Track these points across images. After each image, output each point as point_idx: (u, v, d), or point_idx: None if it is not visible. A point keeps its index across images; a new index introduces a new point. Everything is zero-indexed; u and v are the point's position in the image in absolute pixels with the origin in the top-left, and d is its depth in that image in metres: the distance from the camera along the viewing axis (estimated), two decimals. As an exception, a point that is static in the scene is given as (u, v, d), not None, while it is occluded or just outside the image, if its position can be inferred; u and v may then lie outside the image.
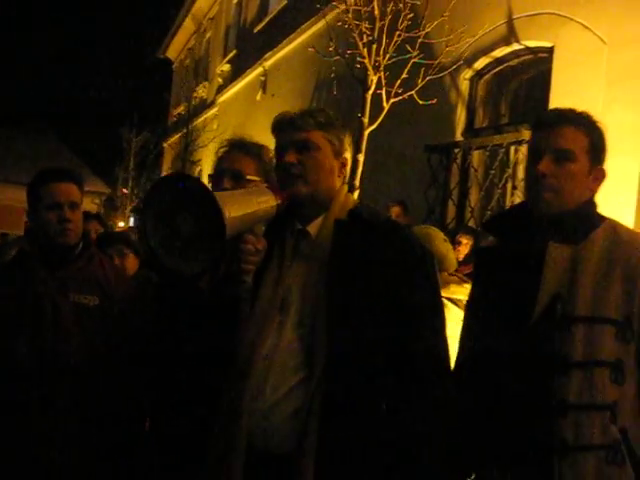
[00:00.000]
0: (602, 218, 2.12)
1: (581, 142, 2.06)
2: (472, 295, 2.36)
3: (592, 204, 2.13)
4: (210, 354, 2.18)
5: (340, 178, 2.19)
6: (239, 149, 2.54)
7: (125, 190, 24.50)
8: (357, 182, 5.69)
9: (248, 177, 2.35)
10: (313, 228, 2.14)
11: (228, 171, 2.39)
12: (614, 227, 2.10)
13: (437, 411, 2.03)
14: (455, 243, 5.90)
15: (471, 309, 2.33)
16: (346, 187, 2.22)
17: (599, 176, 2.12)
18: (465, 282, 3.62)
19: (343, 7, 6.48)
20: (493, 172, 6.57)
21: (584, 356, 1.95)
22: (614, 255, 2.01)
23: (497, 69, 7.19)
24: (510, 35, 6.58)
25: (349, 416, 1.99)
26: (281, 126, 2.19)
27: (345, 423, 1.99)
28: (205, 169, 17.56)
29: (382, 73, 6.32)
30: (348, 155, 2.21)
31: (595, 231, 2.06)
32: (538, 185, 2.06)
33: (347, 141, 2.20)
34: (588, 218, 2.09)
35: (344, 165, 2.19)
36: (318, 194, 2.12)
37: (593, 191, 2.12)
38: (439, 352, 2.07)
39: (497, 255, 2.24)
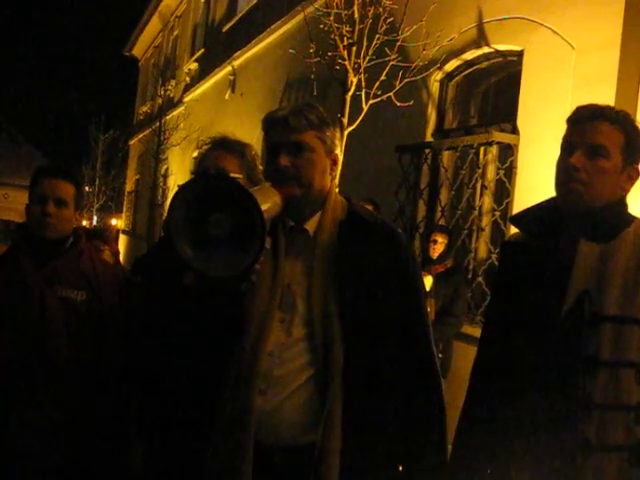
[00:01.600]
0: (633, 218, 2.08)
1: (615, 139, 2.02)
2: (497, 290, 2.35)
3: (623, 203, 2.09)
4: (212, 351, 2.21)
5: (331, 176, 2.23)
6: (222, 147, 2.57)
7: (87, 188, 24.27)
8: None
9: (231, 175, 2.34)
10: (310, 226, 2.18)
11: (211, 169, 2.43)
12: None
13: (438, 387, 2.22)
14: (430, 242, 5.98)
15: (495, 303, 2.32)
16: (336, 187, 2.29)
17: (633, 175, 2.07)
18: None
19: (324, 10, 6.55)
20: (463, 172, 6.66)
21: (611, 356, 1.92)
22: None
23: (467, 71, 7.29)
24: (480, 38, 6.69)
25: (367, 403, 2.07)
26: (273, 125, 2.20)
27: (364, 412, 2.06)
28: (172, 167, 17.49)
29: (362, 75, 6.42)
30: (339, 151, 2.25)
31: (626, 230, 2.02)
32: (569, 178, 2.03)
33: (338, 137, 2.24)
34: (619, 216, 2.05)
35: (335, 162, 2.23)
36: (311, 194, 2.16)
37: (625, 190, 2.08)
38: (429, 328, 2.28)
39: (523, 250, 2.19)
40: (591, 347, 1.94)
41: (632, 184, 2.09)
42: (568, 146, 2.07)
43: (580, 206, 2.05)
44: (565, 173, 2.05)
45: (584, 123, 2.06)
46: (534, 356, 2.02)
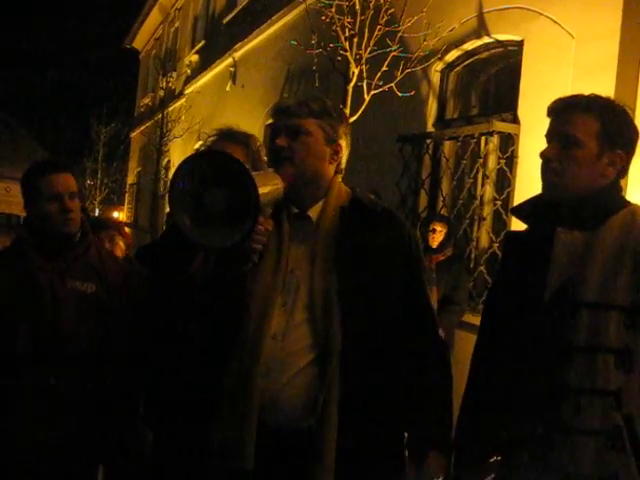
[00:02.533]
0: (624, 204, 2.10)
1: (589, 127, 2.04)
2: (496, 278, 2.42)
3: (611, 189, 2.09)
4: (215, 334, 2.27)
5: (333, 165, 2.29)
6: (227, 138, 2.63)
7: (89, 181, 24.30)
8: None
9: None
10: (313, 212, 2.25)
11: None
12: (633, 213, 2.06)
13: (444, 364, 2.30)
14: (429, 231, 6.03)
15: (493, 292, 2.37)
16: (340, 176, 2.33)
17: (616, 160, 2.07)
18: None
19: (326, 1, 6.58)
20: (464, 162, 6.70)
21: (588, 341, 1.95)
22: (627, 241, 1.99)
23: (468, 61, 7.31)
24: (481, 29, 6.71)
25: (367, 387, 2.13)
26: (277, 113, 2.31)
27: (364, 395, 2.13)
28: (173, 159, 17.50)
29: (363, 66, 6.45)
30: (344, 143, 2.30)
31: (613, 217, 2.03)
32: (543, 169, 2.10)
33: (343, 129, 2.30)
34: (602, 204, 2.06)
35: (337, 152, 2.28)
36: (305, 175, 2.22)
37: (609, 176, 2.08)
38: (433, 311, 2.36)
39: (523, 240, 2.24)
40: (568, 333, 1.97)
41: (617, 169, 2.09)
42: (546, 138, 2.14)
43: (556, 196, 2.10)
44: (542, 165, 2.11)
45: (558, 114, 2.12)
46: (522, 342, 2.06)
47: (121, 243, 4.35)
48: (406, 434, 2.31)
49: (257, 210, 1.84)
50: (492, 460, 2.16)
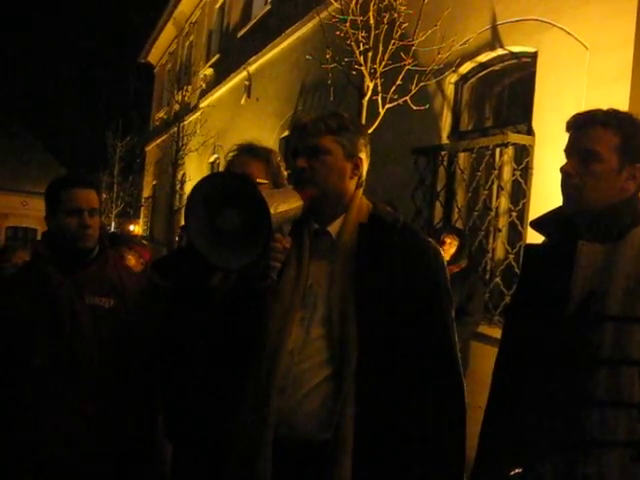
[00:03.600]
0: None
1: (609, 142, 2.05)
2: (517, 292, 2.39)
3: (630, 203, 2.10)
4: (234, 349, 2.29)
5: (354, 179, 2.27)
6: (248, 153, 2.65)
7: (105, 194, 24.42)
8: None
9: (257, 180, 2.43)
10: (333, 228, 2.25)
11: None
12: None
13: (458, 390, 2.23)
14: (440, 243, 6.00)
15: (514, 305, 2.36)
16: (361, 190, 2.31)
17: (636, 175, 2.09)
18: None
19: (340, 17, 6.62)
20: (479, 174, 6.69)
21: (613, 354, 1.95)
22: None
23: (482, 73, 7.32)
24: (495, 41, 6.72)
25: (383, 404, 2.12)
26: (296, 131, 2.29)
27: (379, 411, 2.12)
28: (189, 172, 17.58)
29: (378, 80, 6.48)
30: (363, 155, 2.29)
31: (634, 230, 2.05)
32: (563, 184, 2.10)
33: (362, 142, 2.28)
34: (623, 217, 2.07)
35: (357, 166, 2.27)
36: (328, 194, 2.22)
37: (629, 190, 2.09)
38: (454, 342, 2.27)
39: (543, 253, 2.25)
40: (593, 346, 1.97)
41: (637, 183, 2.10)
42: (565, 153, 2.13)
43: (577, 211, 2.11)
44: (562, 180, 2.11)
45: (577, 129, 2.12)
46: (545, 356, 2.06)
47: (131, 258, 4.38)
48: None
49: (269, 232, 1.87)
50: (513, 473, 2.14)
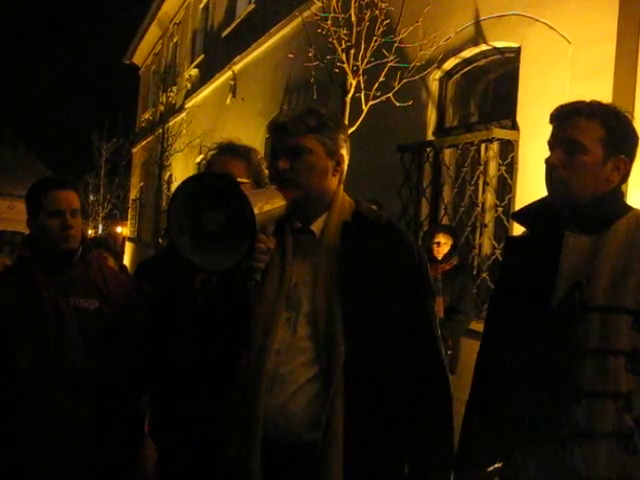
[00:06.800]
0: (628, 208, 2.11)
1: (593, 133, 2.05)
2: (499, 284, 2.38)
3: (614, 194, 2.10)
4: (219, 352, 2.27)
5: (336, 177, 2.25)
6: (228, 152, 2.62)
7: (92, 196, 24.39)
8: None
9: (238, 179, 2.41)
10: (316, 227, 2.22)
11: None
12: (638, 217, 2.07)
13: (442, 388, 2.23)
14: (434, 243, 5.96)
15: (496, 298, 2.35)
16: (342, 187, 2.29)
17: (620, 166, 2.08)
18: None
19: (322, 14, 6.62)
20: (465, 170, 6.71)
21: (599, 344, 1.95)
22: (634, 244, 2.00)
23: (465, 69, 7.34)
24: (478, 36, 6.74)
25: (371, 402, 2.12)
26: (275, 131, 2.25)
27: (368, 409, 2.11)
28: (175, 173, 17.55)
29: (361, 77, 6.48)
30: (344, 151, 2.26)
31: (618, 221, 2.04)
32: (548, 176, 2.09)
33: (342, 138, 2.25)
34: (609, 208, 2.07)
35: (339, 163, 2.24)
36: (311, 194, 2.19)
37: (613, 182, 2.08)
38: (435, 332, 2.26)
39: (525, 245, 2.23)
40: (579, 336, 1.97)
41: (621, 174, 2.10)
42: (549, 145, 2.12)
43: (562, 202, 2.10)
44: (546, 172, 2.11)
45: (561, 121, 2.11)
46: (529, 347, 2.05)
47: (111, 259, 4.41)
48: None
49: (254, 232, 1.85)
50: (492, 469, 2.15)
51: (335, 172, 2.25)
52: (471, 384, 2.28)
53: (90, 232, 21.61)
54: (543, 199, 2.21)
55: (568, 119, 2.10)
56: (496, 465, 2.15)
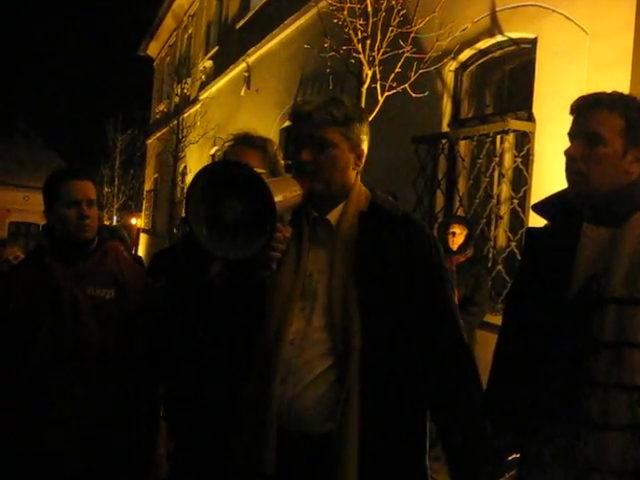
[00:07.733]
0: None
1: (614, 125, 2.03)
2: (518, 275, 2.36)
3: (634, 186, 2.06)
4: (234, 339, 2.29)
5: (355, 169, 2.24)
6: (244, 142, 2.63)
7: (106, 188, 24.50)
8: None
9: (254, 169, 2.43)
10: (333, 216, 2.21)
11: None
12: None
13: (472, 372, 2.25)
14: (449, 234, 5.96)
15: (516, 289, 2.33)
16: (359, 177, 2.28)
17: None
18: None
19: (338, 5, 6.60)
20: (480, 161, 6.68)
21: (614, 337, 1.94)
22: None
23: (481, 60, 7.30)
24: (494, 27, 6.70)
25: (387, 393, 2.11)
26: (299, 119, 2.22)
27: (384, 400, 2.11)
28: (190, 165, 17.57)
29: (377, 68, 6.46)
30: (365, 146, 2.25)
31: (637, 214, 2.02)
32: (567, 168, 2.08)
33: (364, 131, 2.24)
34: (627, 201, 2.04)
35: (360, 157, 2.24)
36: (331, 189, 2.19)
37: (633, 173, 2.06)
38: (458, 319, 2.27)
39: (545, 237, 2.22)
40: (595, 328, 1.96)
41: None
42: (569, 137, 2.11)
43: (581, 194, 2.08)
44: (566, 164, 2.09)
45: (581, 112, 2.09)
46: (547, 339, 2.04)
47: (123, 250, 4.44)
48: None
49: (274, 221, 1.83)
50: (511, 458, 2.14)
51: (355, 166, 2.24)
52: (488, 377, 2.28)
53: (105, 223, 21.66)
54: (563, 191, 2.20)
55: (589, 110, 2.07)
56: (514, 455, 2.14)
